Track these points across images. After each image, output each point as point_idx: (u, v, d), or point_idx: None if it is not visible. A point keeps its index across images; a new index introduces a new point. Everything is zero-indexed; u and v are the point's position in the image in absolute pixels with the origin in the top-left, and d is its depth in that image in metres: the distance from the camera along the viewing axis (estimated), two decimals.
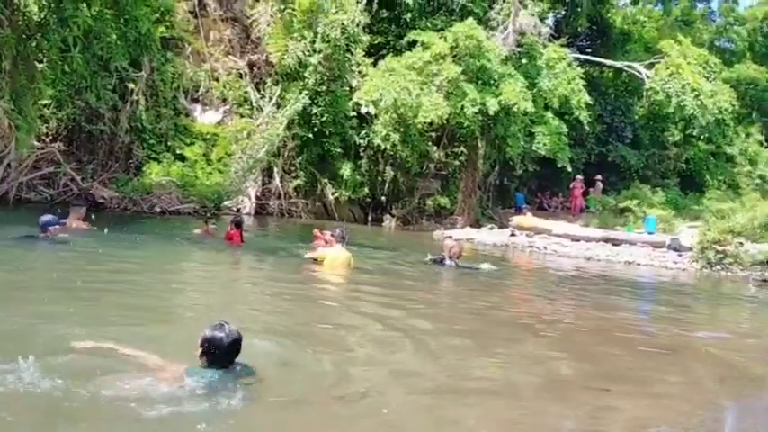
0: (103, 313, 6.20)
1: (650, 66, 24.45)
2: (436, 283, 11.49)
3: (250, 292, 8.77)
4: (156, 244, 12.08)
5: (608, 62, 26.95)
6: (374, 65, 21.75)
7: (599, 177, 26.14)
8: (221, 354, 4.32)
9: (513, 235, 20.58)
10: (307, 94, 20.60)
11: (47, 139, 17.76)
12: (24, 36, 13.64)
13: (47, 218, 9.91)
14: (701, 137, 28.04)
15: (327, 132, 21.20)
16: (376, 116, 21.00)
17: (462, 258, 12.31)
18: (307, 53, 20.27)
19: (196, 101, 20.96)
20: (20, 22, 13.54)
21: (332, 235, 10.73)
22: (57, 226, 9.92)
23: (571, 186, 25.71)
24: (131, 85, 18.63)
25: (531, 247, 19.33)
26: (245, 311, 7.14)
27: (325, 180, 21.75)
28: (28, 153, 16.26)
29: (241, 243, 11.94)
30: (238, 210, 19.93)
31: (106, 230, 11.42)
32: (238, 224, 12.10)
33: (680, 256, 18.30)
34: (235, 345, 4.37)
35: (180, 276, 9.41)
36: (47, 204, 16.07)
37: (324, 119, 20.89)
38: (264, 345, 5.45)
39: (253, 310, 7.33)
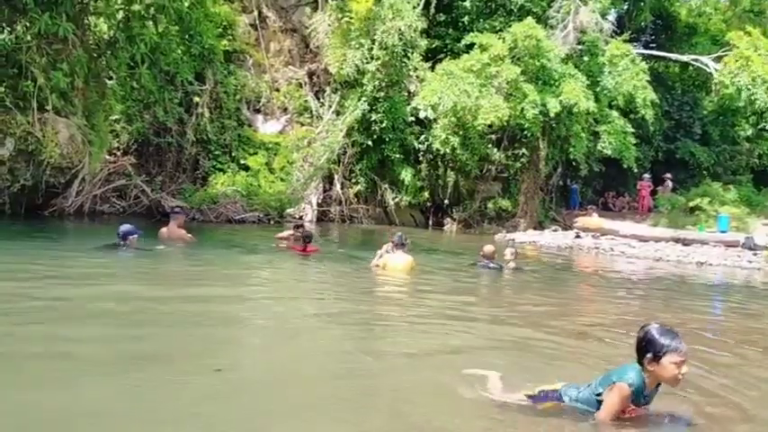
0: None
1: (718, 59, 23.41)
2: (497, 285, 11.20)
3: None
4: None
5: (674, 56, 26.19)
6: (432, 69, 21.58)
7: (668, 175, 25.31)
8: None
9: (578, 237, 20.06)
10: (365, 101, 20.68)
11: (118, 153, 18.34)
12: (95, 55, 14.18)
13: (126, 227, 10.10)
14: None
15: (387, 138, 21.20)
16: (435, 120, 20.80)
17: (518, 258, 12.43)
18: (365, 60, 20.30)
19: (258, 111, 21.36)
20: (90, 42, 14.15)
21: (391, 241, 10.85)
22: (136, 235, 10.10)
23: (638, 185, 24.98)
24: (196, 98, 19.18)
25: (597, 248, 18.84)
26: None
27: (385, 185, 21.76)
28: (101, 167, 16.82)
29: (309, 252, 12.01)
30: (300, 217, 20.07)
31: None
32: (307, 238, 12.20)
33: (755, 255, 17.57)
34: None
35: (256, 284, 9.49)
36: (119, 216, 16.69)
37: (383, 125, 20.88)
38: None
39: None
